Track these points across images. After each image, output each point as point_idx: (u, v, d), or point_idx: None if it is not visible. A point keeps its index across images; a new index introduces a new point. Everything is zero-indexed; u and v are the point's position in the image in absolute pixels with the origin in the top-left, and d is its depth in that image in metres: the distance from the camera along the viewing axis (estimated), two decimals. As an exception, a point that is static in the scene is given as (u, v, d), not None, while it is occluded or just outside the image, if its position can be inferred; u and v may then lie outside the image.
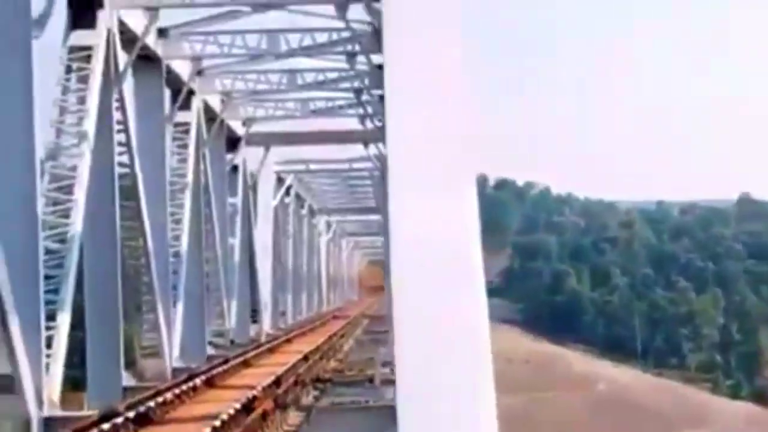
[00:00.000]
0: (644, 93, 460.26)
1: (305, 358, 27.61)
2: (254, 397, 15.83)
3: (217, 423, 12.86)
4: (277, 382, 18.64)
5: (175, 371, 25.51)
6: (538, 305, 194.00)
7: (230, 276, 37.39)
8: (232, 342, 34.65)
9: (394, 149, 9.05)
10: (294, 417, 16.35)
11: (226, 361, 24.35)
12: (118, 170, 24.18)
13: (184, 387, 17.42)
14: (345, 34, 29.48)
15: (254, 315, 41.71)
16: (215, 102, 36.27)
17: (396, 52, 10.17)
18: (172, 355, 26.78)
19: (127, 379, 22.71)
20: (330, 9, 26.58)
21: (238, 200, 41.24)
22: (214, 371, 21.13)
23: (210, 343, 33.27)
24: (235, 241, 39.76)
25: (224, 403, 15.33)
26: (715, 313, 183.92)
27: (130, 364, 25.54)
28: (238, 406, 14.49)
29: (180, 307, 28.50)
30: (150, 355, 25.73)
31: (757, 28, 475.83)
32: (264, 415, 14.78)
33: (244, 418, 14.14)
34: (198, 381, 18.92)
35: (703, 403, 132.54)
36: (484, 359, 8.22)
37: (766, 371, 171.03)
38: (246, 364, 25.66)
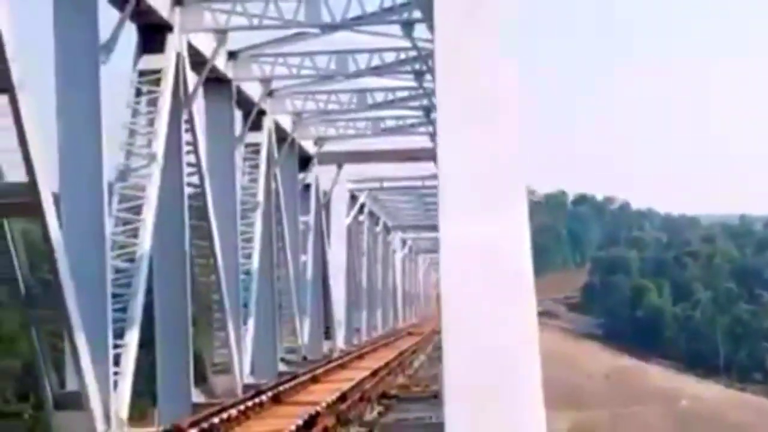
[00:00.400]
0: (724, 107, 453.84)
1: (373, 374, 27.77)
2: (317, 413, 16.04)
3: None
4: (343, 397, 18.84)
5: (246, 387, 25.86)
6: (620, 320, 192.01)
7: (302, 293, 37.77)
8: (304, 358, 34.99)
9: (445, 170, 9.23)
10: (354, 432, 16.57)
11: (294, 378, 24.63)
12: (188, 190, 24.69)
13: (249, 403, 17.71)
14: (412, 53, 29.67)
15: (327, 332, 42.05)
16: (286, 122, 36.72)
17: (446, 72, 10.32)
18: (243, 372, 27.15)
19: (197, 396, 23.09)
20: (396, 29, 26.81)
21: (310, 218, 41.65)
22: (281, 387, 21.40)
23: (282, 359, 33.65)
24: (308, 259, 40.15)
25: (288, 419, 15.56)
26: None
27: (201, 381, 25.93)
28: (300, 422, 14.70)
29: (250, 324, 28.90)
30: (221, 372, 26.11)
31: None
32: (325, 431, 14.97)
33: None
34: (264, 397, 19.20)
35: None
36: (533, 376, 8.29)
37: None
38: (315, 380, 25.92)
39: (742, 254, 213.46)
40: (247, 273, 29.83)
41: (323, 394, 20.40)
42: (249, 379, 27.37)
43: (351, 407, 17.18)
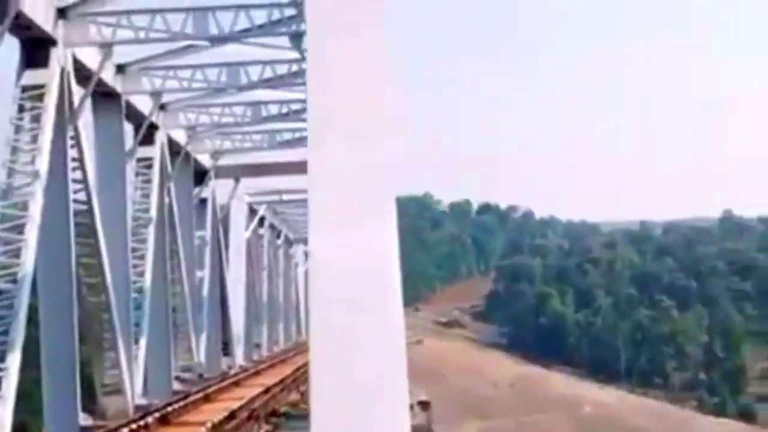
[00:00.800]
0: (624, 114, 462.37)
1: (266, 391, 27.44)
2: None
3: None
4: (231, 416, 18.51)
5: (137, 408, 25.35)
6: (523, 328, 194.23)
7: (198, 310, 37.24)
8: (200, 376, 34.48)
9: (313, 182, 8.98)
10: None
11: (186, 397, 24.19)
12: (75, 207, 24.12)
13: (134, 426, 17.28)
14: (304, 66, 29.48)
15: (226, 348, 41.54)
16: (180, 136, 36.19)
17: (315, 83, 10.12)
18: (135, 392, 26.60)
19: (85, 419, 22.54)
20: (285, 40, 26.57)
21: (207, 233, 41.10)
22: (170, 408, 20.97)
23: (177, 378, 33.10)
24: (205, 274, 39.62)
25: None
26: (698, 331, 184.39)
27: (92, 403, 25.32)
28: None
29: (142, 343, 28.36)
30: (111, 393, 25.52)
31: (734, 58, 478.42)
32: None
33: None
34: (150, 419, 18.79)
35: (689, 422, 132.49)
36: (398, 391, 8.07)
37: (750, 388, 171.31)
38: (207, 399, 25.51)
39: (642, 260, 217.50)
40: (140, 291, 29.28)
41: (212, 414, 20.05)
42: (141, 400, 26.82)
43: (238, 427, 16.83)
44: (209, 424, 16.99)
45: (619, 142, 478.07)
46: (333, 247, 8.52)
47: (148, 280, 29.82)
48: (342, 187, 9.12)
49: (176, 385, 31.99)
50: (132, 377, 26.39)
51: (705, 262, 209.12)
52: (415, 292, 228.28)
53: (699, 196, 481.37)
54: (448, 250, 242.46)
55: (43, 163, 21.68)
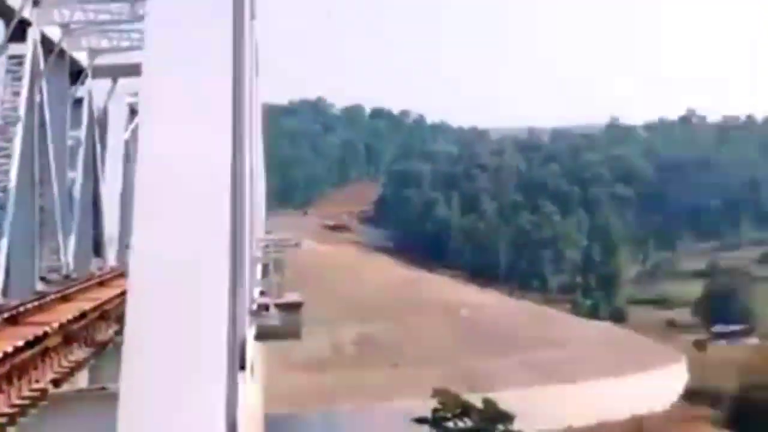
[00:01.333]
0: (514, 17, 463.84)
1: (123, 293, 27.99)
2: (45, 334, 16.36)
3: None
4: (82, 316, 19.17)
5: (-3, 306, 25.71)
6: (410, 233, 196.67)
7: (69, 210, 37.45)
8: (66, 277, 34.86)
9: (148, 78, 9.20)
10: (83, 353, 16.98)
11: (42, 297, 24.71)
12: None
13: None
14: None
15: (97, 249, 41.83)
16: (54, 33, 35.96)
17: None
18: (-5, 292, 26.98)
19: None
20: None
21: (82, 133, 41.12)
22: (23, 308, 21.49)
23: (42, 279, 33.43)
24: (77, 175, 39.76)
25: (14, 340, 15.73)
26: (578, 236, 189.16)
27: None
28: (21, 343, 14.96)
29: (3, 243, 28.61)
30: (-30, 291, 25.88)
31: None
32: (45, 351, 15.34)
33: (24, 353, 14.67)
34: (-1, 318, 19.30)
35: (562, 324, 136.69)
36: (218, 313, 8.42)
37: (623, 291, 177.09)
38: (65, 299, 26.04)
39: (529, 166, 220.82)
40: (4, 190, 29.47)
41: (65, 313, 20.69)
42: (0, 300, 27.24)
43: (86, 327, 17.51)
44: (56, 324, 17.64)
45: (508, 48, 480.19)
46: (163, 143, 8.70)
47: (12, 180, 29.98)
48: (176, 85, 9.25)
49: (40, 286, 32.32)
50: (-9, 276, 26.72)
51: (590, 169, 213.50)
52: (305, 196, 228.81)
53: (587, 103, 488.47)
54: (340, 155, 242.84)
55: None
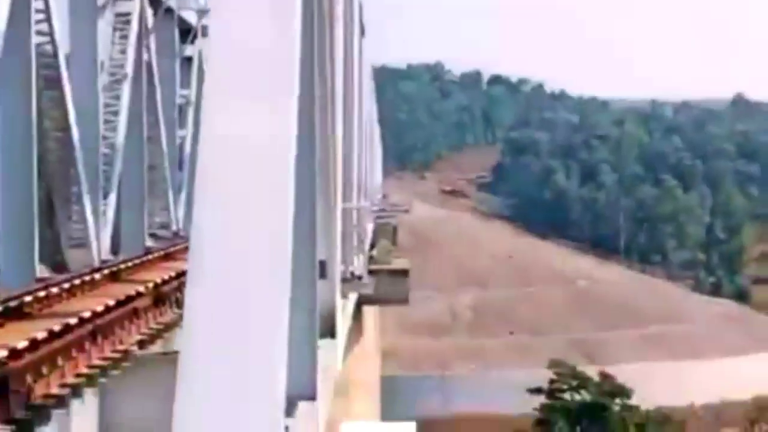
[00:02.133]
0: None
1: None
2: (137, 294, 15.81)
3: (74, 320, 12.83)
4: (178, 276, 18.56)
5: (103, 263, 25.46)
6: (527, 201, 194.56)
7: (178, 169, 37.21)
8: (175, 234, 34.62)
9: (215, 55, 8.51)
10: (171, 313, 16.35)
11: (147, 254, 24.32)
12: (42, 60, 23.89)
13: (77, 281, 17.38)
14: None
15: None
16: (163, -9, 35.58)
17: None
18: (102, 247, 26.74)
19: (42, 271, 22.69)
20: None
21: (192, 92, 40.82)
22: (125, 265, 21.09)
23: (153, 235, 33.28)
24: (187, 133, 39.49)
25: (108, 298, 15.25)
26: (701, 211, 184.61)
27: (55, 255, 25.48)
28: (112, 302, 14.43)
29: (111, 198, 28.38)
30: (76, 246, 25.66)
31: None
32: (135, 311, 14.76)
33: (115, 313, 14.12)
34: (99, 275, 18.90)
35: (684, 300, 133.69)
36: (280, 298, 7.70)
37: (747, 269, 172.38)
38: (168, 257, 25.63)
39: (650, 139, 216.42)
40: (112, 147, 29.19)
41: (164, 272, 20.16)
42: (109, 256, 27.00)
43: (178, 289, 16.86)
44: (151, 284, 17.06)
45: (634, 19, 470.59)
46: (228, 124, 8.12)
47: (121, 136, 29.67)
48: (243, 62, 8.66)
49: (150, 242, 32.17)
50: (98, 232, 26.49)
51: (713, 143, 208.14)
52: (423, 160, 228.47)
53: (712, 77, 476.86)
54: (457, 120, 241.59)
55: (1, 17, 21.35)
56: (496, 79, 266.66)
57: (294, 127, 8.29)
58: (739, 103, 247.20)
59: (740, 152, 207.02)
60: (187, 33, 40.12)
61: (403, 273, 39.83)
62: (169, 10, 36.17)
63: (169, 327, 15.35)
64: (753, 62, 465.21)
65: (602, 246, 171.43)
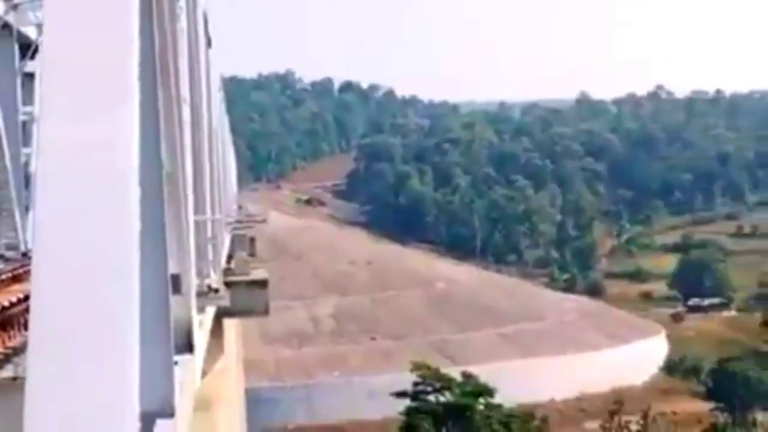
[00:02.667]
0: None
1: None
2: (-18, 315, 15.21)
3: None
4: (27, 298, 17.90)
5: (-53, 288, 24.48)
6: (383, 207, 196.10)
7: (24, 188, 36.09)
8: (24, 254, 33.55)
9: (49, 58, 8.09)
10: (20, 336, 15.77)
11: (-8, 277, 23.43)
12: None
13: None
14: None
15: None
16: (-1, 7, 34.49)
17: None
18: (-55, 272, 25.71)
19: None
20: None
21: (36, 108, 39.70)
22: (-31, 288, 20.25)
23: (0, 256, 32.18)
24: (32, 151, 38.36)
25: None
26: (552, 210, 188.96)
27: None
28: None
29: (-47, 221, 27.34)
30: None
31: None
32: (-20, 334, 14.19)
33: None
34: (-58, 299, 18.09)
35: (539, 297, 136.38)
36: (129, 304, 7.31)
37: (598, 265, 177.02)
38: (16, 279, 24.74)
39: (500, 140, 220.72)
40: (-49, 167, 28.10)
41: (12, 294, 19.43)
42: (-48, 279, 25.96)
43: (27, 311, 16.24)
44: (-1, 306, 16.42)
45: (480, 23, 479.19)
46: (64, 139, 7.69)
47: (-39, 157, 28.59)
48: (78, 70, 8.26)
49: (-3, 265, 31.06)
50: (-60, 256, 25.46)
51: (560, 143, 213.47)
52: (278, 170, 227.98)
53: (557, 77, 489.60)
54: (310, 128, 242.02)
55: None
56: (347, 86, 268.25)
57: (135, 138, 7.95)
58: (583, 102, 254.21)
59: (586, 151, 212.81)
60: (27, 48, 38.97)
61: (262, 284, 39.37)
62: (7, 26, 35.08)
63: (18, 351, 14.79)
64: (595, 61, 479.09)
65: (459, 248, 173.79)
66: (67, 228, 7.13)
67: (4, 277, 24.93)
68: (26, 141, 38.38)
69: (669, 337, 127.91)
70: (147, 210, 9.66)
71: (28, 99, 39.59)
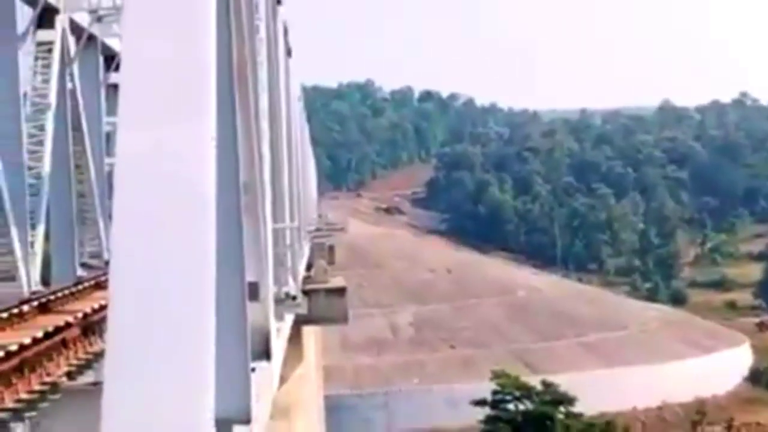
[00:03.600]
0: (568, 3, 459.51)
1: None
2: (67, 324, 15.52)
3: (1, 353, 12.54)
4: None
5: (34, 295, 25.04)
6: (463, 215, 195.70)
7: (107, 197, 36.72)
8: (107, 263, 34.15)
9: (128, 67, 8.20)
10: (102, 342, 16.07)
11: (77, 285, 23.96)
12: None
13: (4, 314, 17.03)
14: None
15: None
16: (84, 19, 35.20)
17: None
18: (32, 280, 26.28)
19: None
20: None
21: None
22: (55, 296, 20.73)
23: (83, 264, 32.81)
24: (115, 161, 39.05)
25: (36, 330, 14.96)
26: (634, 218, 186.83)
27: (-15, 290, 24.94)
28: (40, 334, 14.15)
29: (40, 229, 27.93)
30: (5, 280, 25.19)
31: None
32: (64, 342, 14.50)
33: (43, 344, 13.84)
34: (27, 306, 18.56)
35: (621, 306, 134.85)
36: (204, 316, 7.47)
37: (682, 274, 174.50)
38: (98, 286, 25.28)
39: (581, 148, 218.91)
40: (38, 177, 28.74)
41: (95, 301, 19.84)
42: (39, 287, 26.53)
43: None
44: (80, 314, 16.77)
45: (561, 30, 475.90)
46: (142, 147, 7.75)
47: (47, 165, 29.22)
48: (156, 78, 8.32)
49: (81, 272, 31.70)
50: (27, 264, 26.03)
51: (642, 151, 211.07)
52: (358, 179, 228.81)
53: (639, 85, 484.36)
54: (390, 137, 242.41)
55: None
56: (426, 95, 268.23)
57: (212, 147, 8.05)
58: (666, 109, 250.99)
59: (669, 158, 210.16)
60: (111, 60, 39.70)
61: (341, 291, 39.64)
62: (92, 38, 35.76)
63: (100, 357, 15.08)
64: (678, 69, 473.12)
65: (539, 256, 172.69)
66: (143, 237, 7.25)
67: (87, 284, 25.47)
68: (110, 151, 39.10)
69: (753, 346, 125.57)
70: (224, 219, 9.84)
71: (112, 110, 40.34)
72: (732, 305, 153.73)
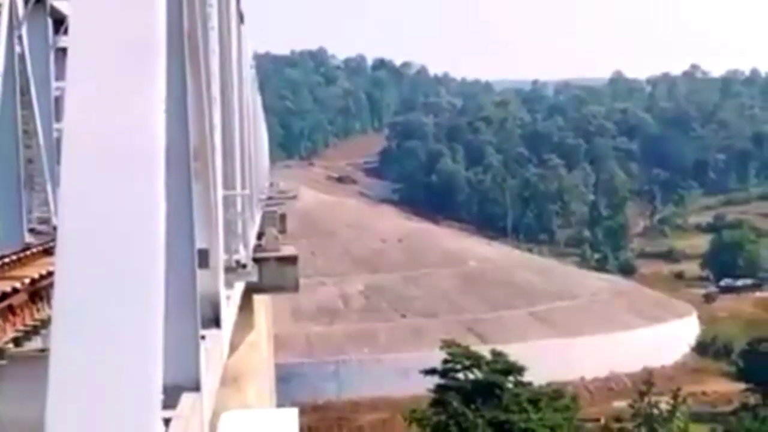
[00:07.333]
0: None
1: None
2: (14, 290, 15.34)
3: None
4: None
5: (-20, 261, 24.74)
6: (415, 185, 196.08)
7: (56, 163, 36.34)
8: (55, 228, 33.81)
9: (75, 31, 8.04)
10: (49, 309, 15.89)
11: (24, 250, 23.66)
12: None
13: (-52, 280, 16.76)
14: None
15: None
16: (33, -19, 34.63)
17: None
18: (-22, 245, 25.97)
19: None
20: None
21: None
22: (1, 262, 20.41)
23: (32, 230, 32.44)
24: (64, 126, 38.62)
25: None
26: (584, 189, 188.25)
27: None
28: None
29: (-14, 195, 27.57)
30: (-50, 246, 24.85)
31: None
32: (11, 308, 14.34)
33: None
34: (-27, 272, 18.28)
35: (571, 277, 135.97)
36: (152, 287, 7.33)
37: (631, 245, 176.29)
38: (47, 252, 24.93)
39: (533, 119, 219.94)
40: (-15, 142, 28.32)
41: (43, 267, 19.58)
42: (-14, 253, 26.22)
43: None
44: (28, 280, 16.54)
45: (515, 0, 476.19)
46: (90, 112, 7.63)
47: (-7, 132, 28.80)
48: (105, 42, 8.18)
49: (30, 238, 31.33)
50: (-27, 230, 25.71)
51: (593, 122, 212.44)
52: (310, 147, 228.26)
53: (591, 56, 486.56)
54: (343, 106, 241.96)
55: None
56: (380, 64, 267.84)
57: (161, 111, 7.92)
58: (617, 81, 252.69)
59: (620, 130, 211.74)
60: (60, 23, 39.14)
61: (292, 260, 39.43)
62: (40, 0, 35.20)
63: (47, 323, 14.92)
64: (629, 40, 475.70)
65: (490, 227, 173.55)
66: (91, 203, 7.18)
67: (35, 250, 25.18)
68: (58, 116, 38.65)
69: (701, 317, 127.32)
70: (173, 185, 9.74)
71: (61, 74, 39.82)
72: (680, 276, 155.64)
